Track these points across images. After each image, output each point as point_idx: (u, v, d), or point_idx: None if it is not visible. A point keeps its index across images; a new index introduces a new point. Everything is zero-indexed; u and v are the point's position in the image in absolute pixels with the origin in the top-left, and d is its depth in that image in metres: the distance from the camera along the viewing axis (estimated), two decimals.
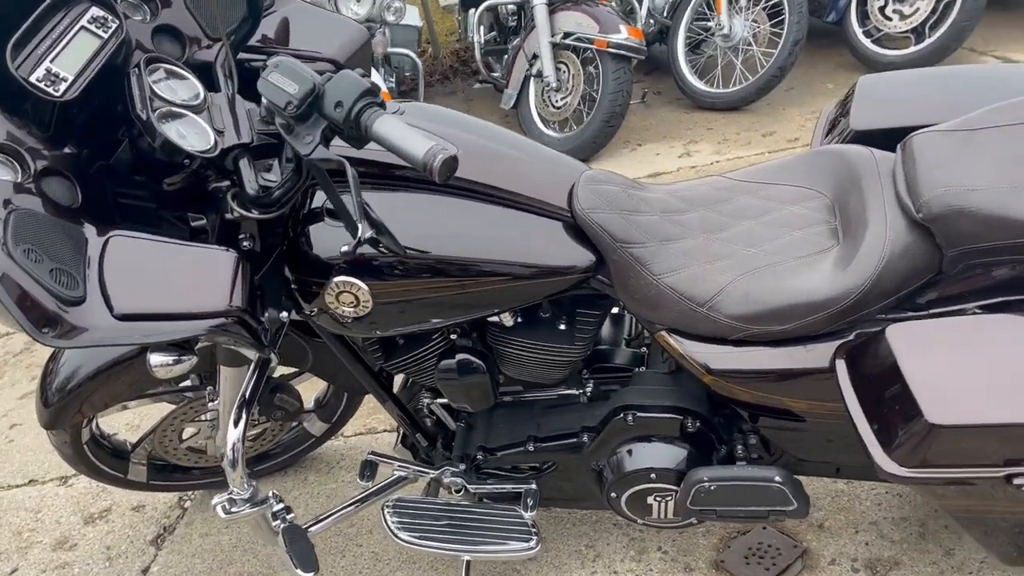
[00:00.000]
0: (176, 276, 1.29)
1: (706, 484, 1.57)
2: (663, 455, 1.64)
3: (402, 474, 1.90)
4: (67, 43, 1.30)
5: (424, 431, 1.90)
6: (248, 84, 1.50)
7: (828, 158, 1.57)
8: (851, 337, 1.40)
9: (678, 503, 1.63)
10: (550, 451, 1.74)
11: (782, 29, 4.34)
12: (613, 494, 1.69)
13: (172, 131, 1.30)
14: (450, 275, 1.45)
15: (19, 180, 1.20)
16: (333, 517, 1.91)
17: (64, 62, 1.28)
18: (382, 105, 1.20)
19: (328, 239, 1.47)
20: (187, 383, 2.04)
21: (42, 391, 1.91)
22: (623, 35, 4.09)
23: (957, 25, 4.30)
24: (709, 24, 4.74)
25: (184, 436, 2.15)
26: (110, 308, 1.19)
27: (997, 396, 1.17)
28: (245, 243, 1.48)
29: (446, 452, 1.88)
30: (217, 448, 2.06)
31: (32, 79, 1.24)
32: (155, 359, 1.42)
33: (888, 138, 1.56)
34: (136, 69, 1.35)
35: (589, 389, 1.73)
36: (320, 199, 1.50)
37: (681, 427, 1.63)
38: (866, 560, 1.85)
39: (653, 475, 1.63)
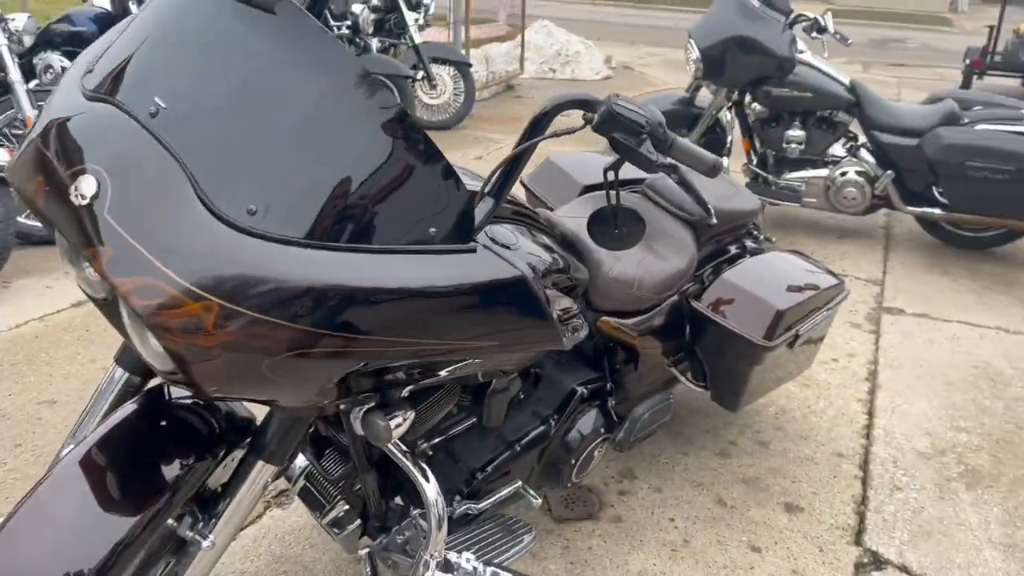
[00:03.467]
0: None
1: (645, 415, 2.12)
2: (600, 412, 2.09)
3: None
4: None
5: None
6: None
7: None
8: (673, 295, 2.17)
9: (622, 441, 2.12)
10: (531, 445, 1.91)
11: None
12: (573, 460, 2.04)
13: None
14: None
15: None
16: None
17: None
18: None
19: None
20: None
21: None
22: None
23: None
24: None
25: None
26: None
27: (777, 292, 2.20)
28: None
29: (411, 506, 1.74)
30: None
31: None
32: None
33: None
34: None
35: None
36: None
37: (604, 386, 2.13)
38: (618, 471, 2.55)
39: (602, 428, 2.09)
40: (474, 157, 6.02)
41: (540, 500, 1.93)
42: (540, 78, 9.78)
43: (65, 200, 1.05)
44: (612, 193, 1.62)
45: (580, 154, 2.56)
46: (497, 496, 1.89)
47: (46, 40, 4.44)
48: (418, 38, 6.43)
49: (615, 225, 1.65)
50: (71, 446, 1.43)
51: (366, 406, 1.37)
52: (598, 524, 2.28)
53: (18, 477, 2.30)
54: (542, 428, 1.97)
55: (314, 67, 1.10)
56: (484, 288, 1.14)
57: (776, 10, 4.34)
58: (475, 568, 1.59)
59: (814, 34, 4.50)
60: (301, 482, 1.78)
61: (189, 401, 1.40)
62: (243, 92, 1.07)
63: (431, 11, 6.96)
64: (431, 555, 1.52)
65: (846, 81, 4.50)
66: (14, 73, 3.83)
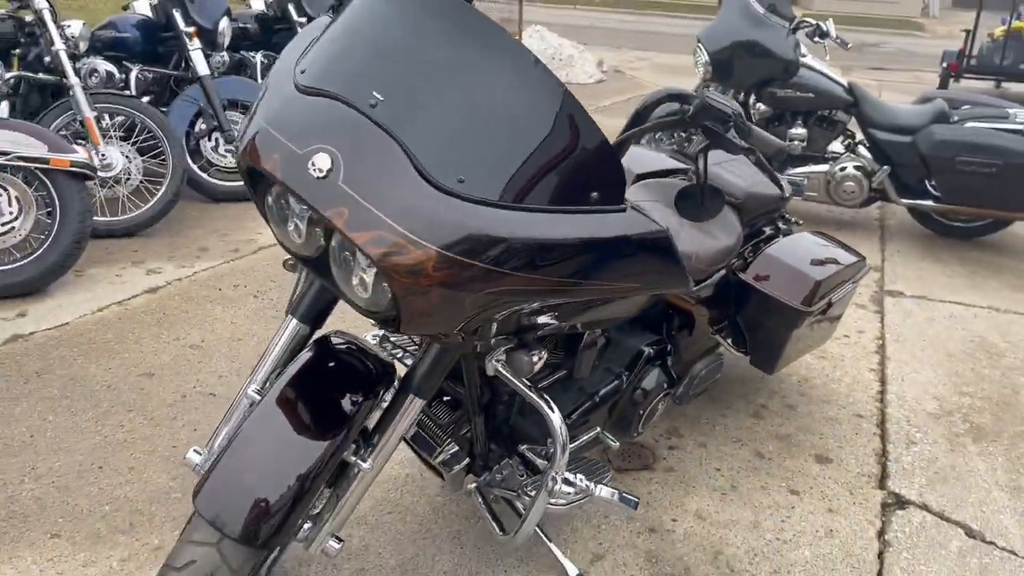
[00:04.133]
0: None
1: (703, 371, 2.41)
2: (662, 371, 2.39)
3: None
4: None
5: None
6: None
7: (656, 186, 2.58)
8: (722, 270, 2.46)
9: (682, 395, 2.41)
10: (607, 398, 2.25)
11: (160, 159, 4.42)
12: (641, 412, 2.35)
13: None
14: None
15: None
16: None
17: None
18: None
19: None
20: None
21: None
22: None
23: None
24: None
25: None
26: None
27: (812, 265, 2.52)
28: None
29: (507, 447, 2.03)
30: None
31: None
32: None
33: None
34: None
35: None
36: None
37: (665, 348, 2.42)
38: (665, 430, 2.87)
39: (665, 384, 2.37)
40: None
41: (618, 444, 2.22)
42: None
43: (302, 174, 1.32)
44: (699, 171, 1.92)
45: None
46: (581, 440, 2.18)
47: (90, 45, 4.67)
48: None
49: (701, 200, 1.94)
50: (254, 386, 1.71)
51: (505, 347, 1.65)
52: (654, 473, 2.58)
53: (136, 437, 2.55)
54: (615, 383, 2.26)
55: (498, 55, 1.37)
56: (635, 240, 1.43)
57: (780, 16, 4.68)
58: (587, 485, 1.87)
59: (816, 39, 4.84)
60: (413, 429, 2.06)
61: (345, 348, 1.68)
62: (444, 80, 1.35)
63: None
64: (556, 472, 1.80)
65: (845, 83, 4.84)
66: (72, 77, 4.05)
